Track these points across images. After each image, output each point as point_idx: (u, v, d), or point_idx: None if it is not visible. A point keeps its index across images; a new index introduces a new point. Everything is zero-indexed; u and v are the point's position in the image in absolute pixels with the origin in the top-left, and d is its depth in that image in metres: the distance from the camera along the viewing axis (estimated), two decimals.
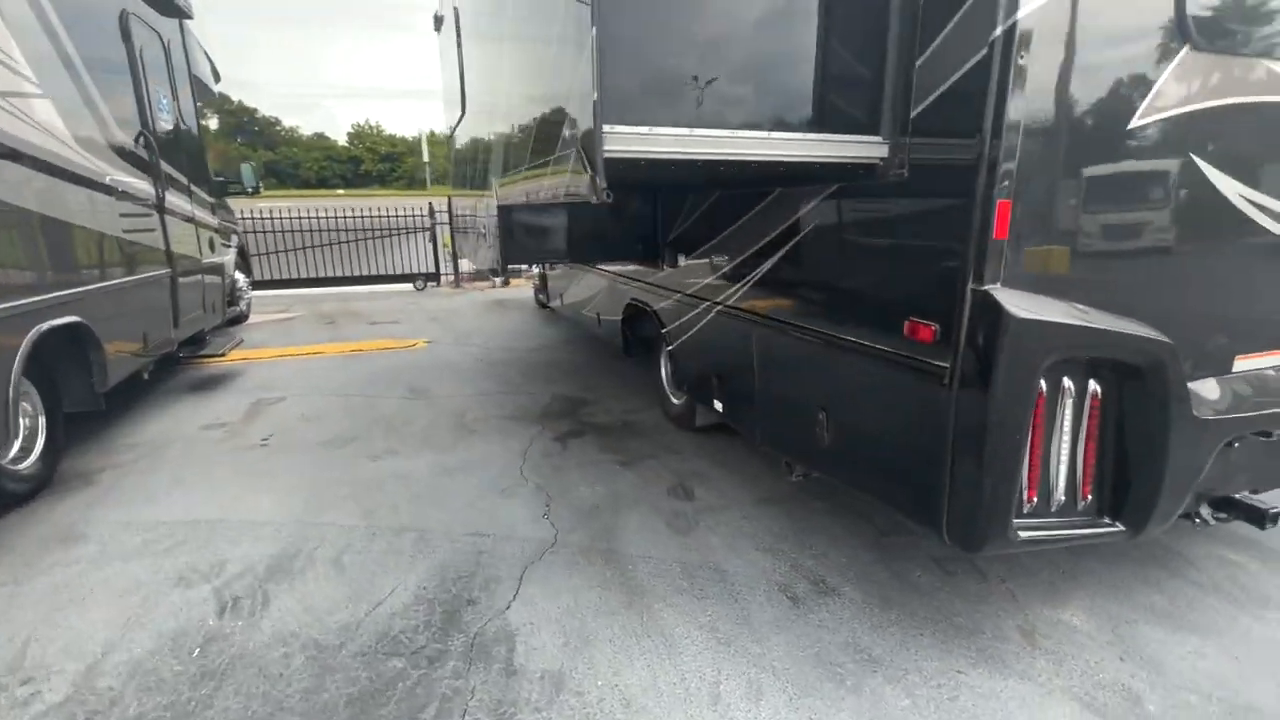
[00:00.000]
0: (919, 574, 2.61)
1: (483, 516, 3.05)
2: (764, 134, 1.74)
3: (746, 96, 1.81)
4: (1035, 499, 1.82)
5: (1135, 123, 1.66)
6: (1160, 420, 1.77)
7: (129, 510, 3.11)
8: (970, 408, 1.66)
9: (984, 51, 1.53)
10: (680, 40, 1.74)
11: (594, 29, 1.46)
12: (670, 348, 3.64)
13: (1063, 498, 1.86)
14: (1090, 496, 1.89)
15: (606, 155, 1.51)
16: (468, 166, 4.73)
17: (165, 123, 4.79)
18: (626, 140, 1.55)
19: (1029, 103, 1.52)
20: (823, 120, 1.87)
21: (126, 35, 4.26)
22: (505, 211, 3.23)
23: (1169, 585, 2.52)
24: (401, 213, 10.76)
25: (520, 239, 3.40)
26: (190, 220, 5.15)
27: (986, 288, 1.59)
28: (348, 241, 10.45)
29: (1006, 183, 1.54)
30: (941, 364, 1.73)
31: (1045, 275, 1.66)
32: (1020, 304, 1.57)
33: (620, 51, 1.53)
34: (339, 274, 10.19)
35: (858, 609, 2.39)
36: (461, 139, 5.14)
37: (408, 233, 10.95)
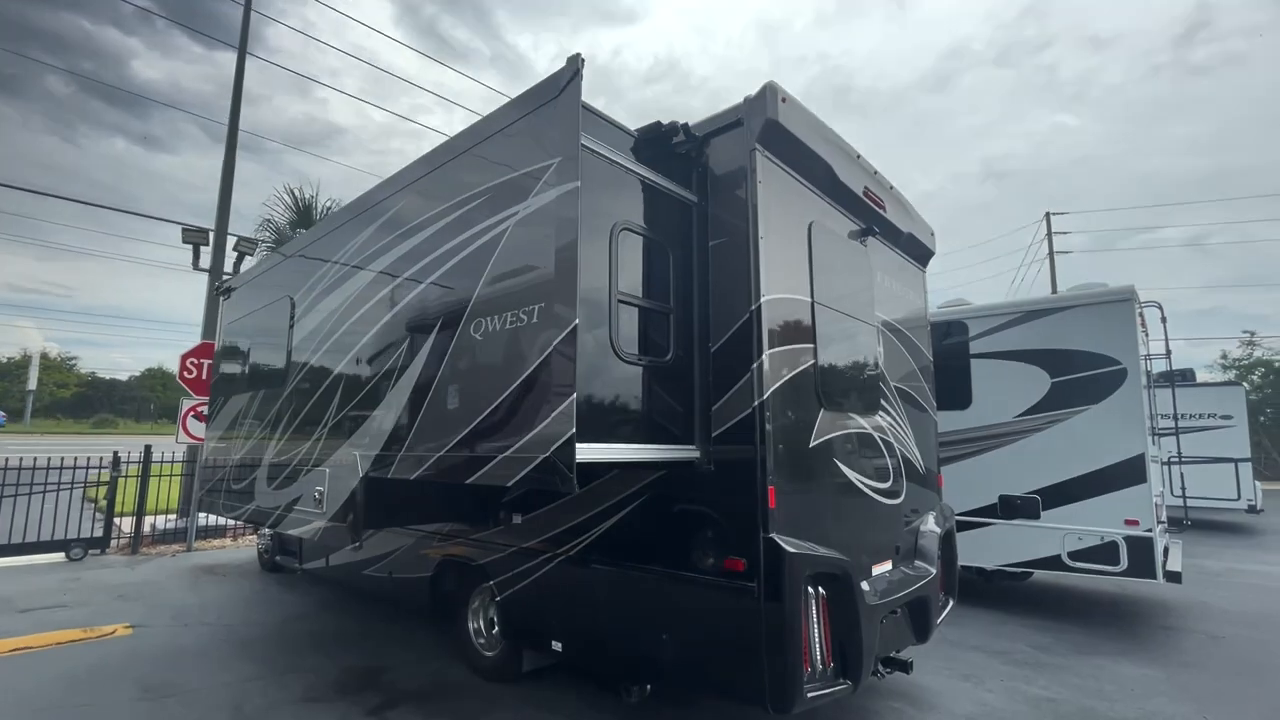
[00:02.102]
0: None
1: None
2: (643, 445, 2.86)
3: (628, 427, 2.94)
4: (809, 670, 2.91)
5: (812, 444, 3.26)
6: (852, 606, 3.11)
7: None
8: (773, 610, 2.75)
9: (748, 411, 2.98)
10: (608, 392, 2.85)
11: (574, 394, 2.46)
12: (500, 598, 4.09)
13: (820, 665, 2.99)
14: (832, 663, 3.07)
15: (580, 460, 2.41)
16: (278, 431, 4.80)
17: None
18: (588, 451, 2.49)
19: (774, 433, 2.96)
20: (660, 436, 3.09)
21: None
22: (374, 481, 3.59)
23: None
24: (21, 463, 8.68)
25: (384, 504, 3.71)
26: None
27: (771, 535, 2.83)
28: None
29: (771, 475, 2.89)
30: (750, 583, 2.83)
31: (792, 526, 2.98)
32: (789, 543, 2.82)
33: (586, 400, 2.53)
34: None
35: None
36: (264, 401, 5.21)
37: (58, 489, 8.77)
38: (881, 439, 3.99)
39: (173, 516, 9.92)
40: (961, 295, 7.67)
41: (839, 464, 3.48)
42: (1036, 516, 6.15)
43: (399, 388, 3.56)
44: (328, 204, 12.33)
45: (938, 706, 4.15)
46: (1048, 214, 25.90)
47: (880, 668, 3.60)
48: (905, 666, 3.66)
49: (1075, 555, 5.89)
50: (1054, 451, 6.11)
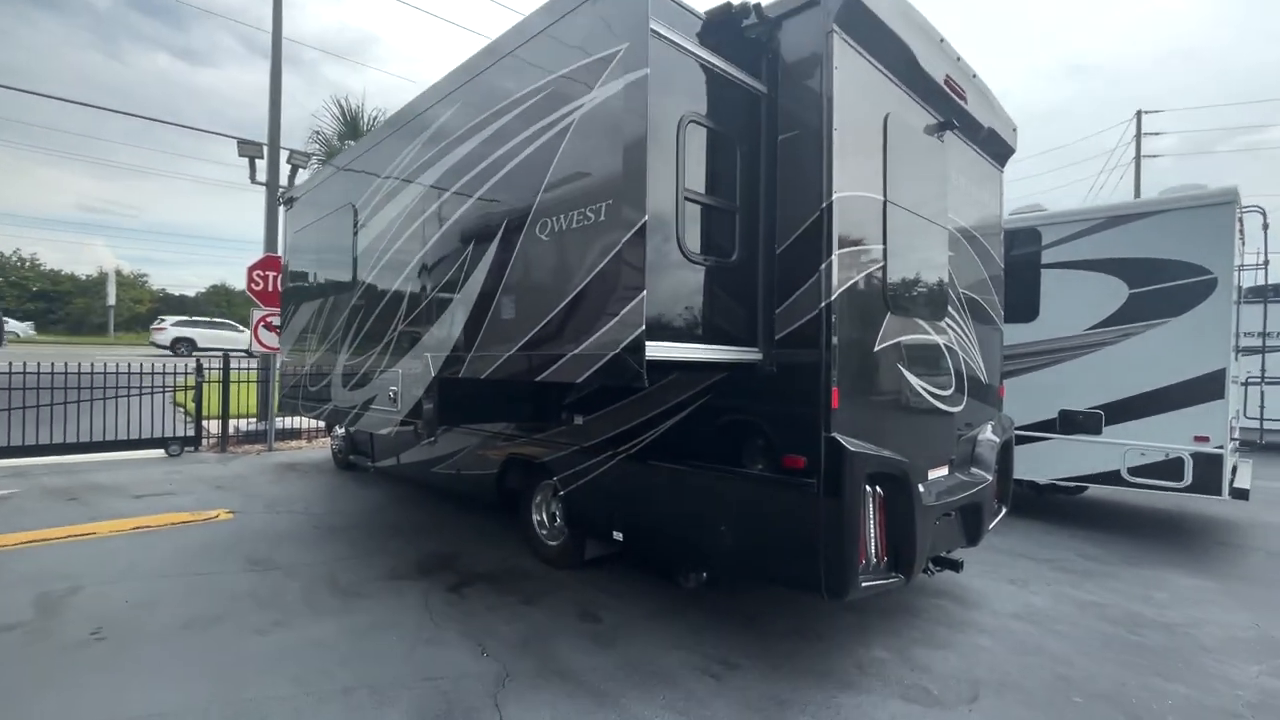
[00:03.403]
0: (786, 643, 3.61)
1: (425, 664, 3.21)
2: (707, 346, 2.89)
3: (693, 328, 2.96)
4: (864, 562, 3.03)
5: (876, 348, 3.22)
6: (908, 506, 3.18)
7: None
8: (831, 505, 2.84)
9: (814, 313, 2.95)
10: (675, 292, 2.85)
11: (644, 292, 2.47)
12: (563, 492, 4.34)
13: (874, 559, 3.11)
14: (886, 558, 3.18)
15: (649, 358, 2.46)
16: (350, 335, 5.03)
17: None
18: (657, 350, 2.54)
19: (839, 337, 2.94)
20: (723, 338, 3.10)
21: None
22: (446, 381, 3.77)
23: (915, 624, 3.94)
24: (119, 368, 9.39)
25: (455, 404, 3.91)
26: None
27: (833, 434, 2.87)
28: (60, 404, 8.65)
29: (835, 377, 2.90)
30: (810, 480, 2.92)
31: (853, 426, 3.01)
32: (851, 442, 2.87)
33: (654, 299, 2.55)
34: (40, 442, 8.22)
35: (759, 673, 3.26)
36: (335, 307, 5.43)
37: (152, 392, 9.53)
38: (946, 347, 3.91)
39: (253, 420, 10.71)
40: (1037, 202, 7.18)
41: (902, 369, 3.45)
42: (1098, 432, 6.02)
43: (467, 289, 3.64)
44: (374, 114, 12.22)
45: (982, 605, 4.29)
46: (1139, 113, 23.59)
47: (931, 566, 3.72)
48: (956, 565, 3.76)
49: (1136, 471, 5.79)
50: (1124, 366, 5.87)
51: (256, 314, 9.50)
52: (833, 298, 2.91)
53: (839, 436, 2.88)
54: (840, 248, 2.95)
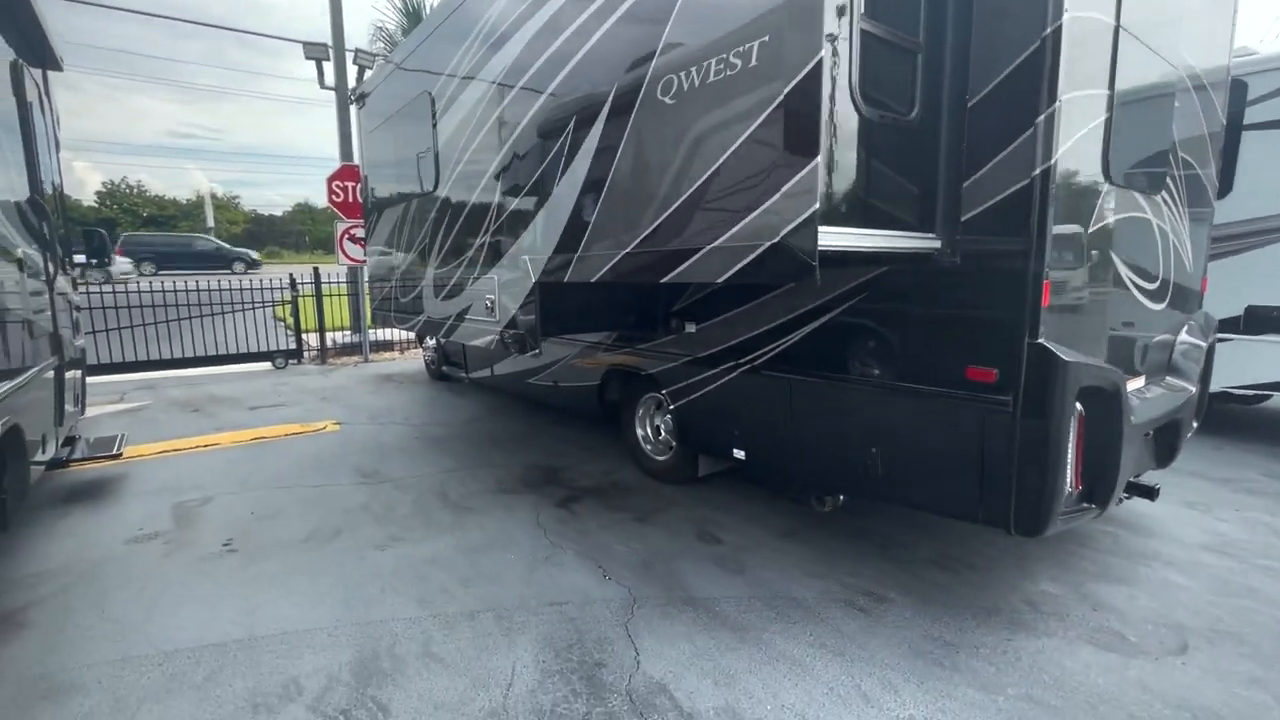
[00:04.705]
0: (934, 574, 3.21)
1: (547, 587, 3.05)
2: (879, 231, 2.29)
3: (864, 208, 2.34)
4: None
5: (1091, 228, 2.51)
6: (1117, 427, 2.58)
7: (112, 645, 2.56)
8: (1033, 428, 2.30)
9: (1022, 183, 2.26)
10: (847, 159, 2.23)
11: (819, 159, 1.88)
12: (674, 407, 3.98)
13: (1069, 489, 2.57)
14: (1080, 486, 2.63)
15: (821, 249, 1.92)
16: (438, 240, 4.69)
17: (47, 186, 4.09)
18: (829, 237, 1.98)
19: (1056, 215, 2.27)
20: (888, 220, 2.47)
21: (19, 87, 3.67)
22: (548, 287, 3.38)
23: (1083, 553, 3.42)
24: (230, 286, 9.66)
25: (559, 313, 3.56)
26: (65, 297, 4.35)
27: (1040, 340, 2.27)
28: (174, 320, 9.09)
29: (1047, 267, 2.25)
30: (1003, 397, 2.37)
31: (1062, 330, 2.39)
32: (1064, 350, 2.27)
33: (827, 169, 1.96)
34: (163, 356, 8.71)
35: (911, 609, 2.89)
36: (419, 210, 5.06)
37: (259, 307, 9.86)
38: (1158, 226, 3.10)
39: (347, 332, 10.99)
40: (1243, 44, 5.70)
41: (1113, 256, 2.73)
42: None
43: (570, 178, 3.13)
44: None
45: (1160, 533, 3.71)
46: None
47: (1122, 493, 3.14)
48: (1150, 493, 3.15)
49: None
50: None
51: (340, 226, 9.43)
52: (1052, 162, 2.20)
53: (1048, 343, 2.27)
54: (1068, 92, 2.20)
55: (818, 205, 1.89)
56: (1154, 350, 3.36)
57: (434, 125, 4.45)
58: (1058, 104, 2.18)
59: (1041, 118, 2.19)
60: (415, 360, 9.99)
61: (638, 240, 2.70)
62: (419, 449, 5.29)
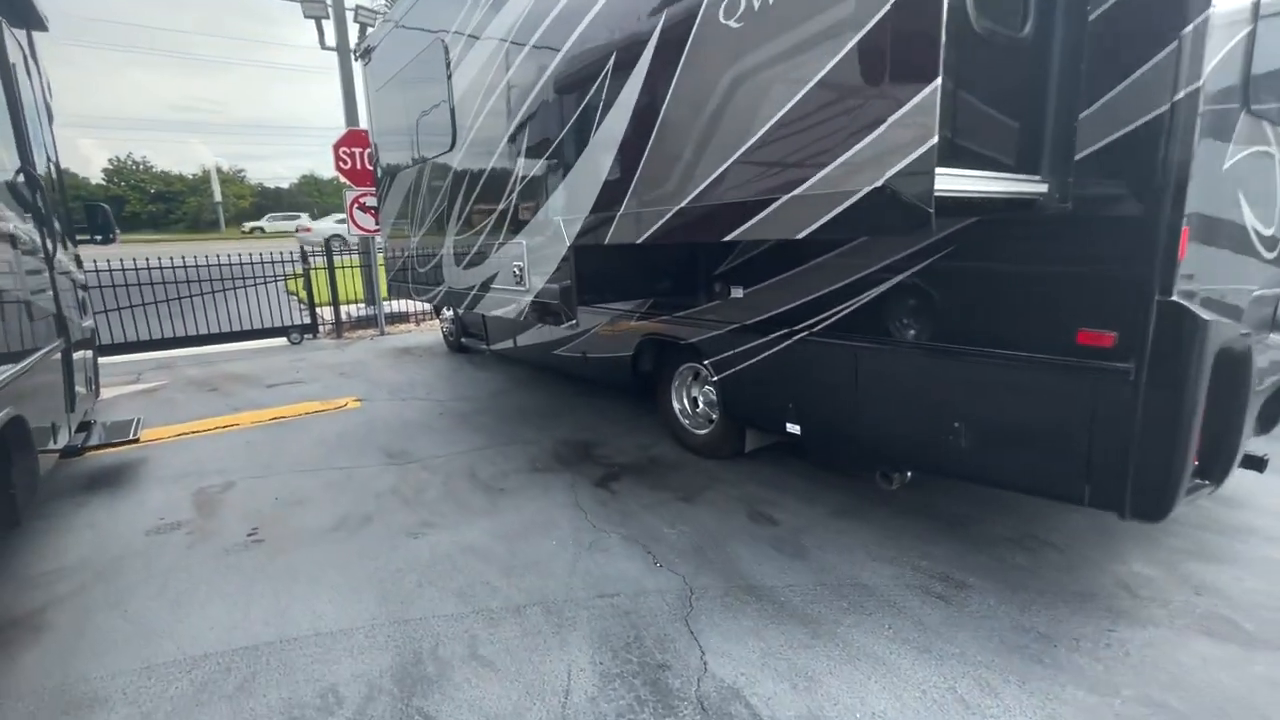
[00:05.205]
0: (1012, 554, 2.96)
1: (595, 576, 2.83)
2: (988, 174, 1.94)
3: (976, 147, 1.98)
4: None
5: (1225, 165, 2.15)
6: (1244, 394, 2.26)
7: (133, 652, 2.38)
8: (1162, 399, 1.99)
9: (1156, 112, 1.90)
10: (963, 87, 1.86)
11: (938, 81, 1.54)
12: (718, 378, 3.70)
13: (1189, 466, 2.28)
14: (1197, 461, 2.33)
15: (938, 194, 1.59)
16: (458, 202, 4.36)
17: (39, 156, 3.80)
18: (947, 180, 1.65)
19: (1198, 150, 1.91)
20: (983, 161, 2.12)
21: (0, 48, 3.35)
22: (584, 251, 3.06)
23: (1176, 531, 3.14)
24: (240, 260, 9.40)
25: (598, 279, 3.25)
26: (68, 276, 4.10)
27: (1174, 298, 1.95)
28: (187, 297, 8.87)
29: (1186, 212, 1.91)
30: (1124, 365, 2.06)
31: (1194, 286, 2.06)
32: (1200, 309, 1.95)
33: (948, 97, 1.62)
34: (178, 334, 8.53)
35: (995, 595, 2.64)
36: (435, 171, 4.70)
37: (270, 281, 9.62)
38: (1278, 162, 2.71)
39: (361, 305, 10.75)
40: None
41: (1240, 197, 2.36)
42: None
43: (611, 124, 2.77)
44: None
45: (1251, 505, 3.42)
46: None
47: None
48: (1259, 464, 2.82)
49: None
50: None
51: (350, 195, 9.09)
52: (1199, 83, 1.84)
53: (1184, 302, 1.95)
54: (1221, 3, 1.82)
55: (936, 139, 1.55)
56: (1262, 305, 3.00)
57: (449, 77, 4.08)
58: (1210, 10, 1.80)
59: (1190, 28, 1.82)
60: (432, 332, 9.75)
61: (695, 193, 2.37)
62: (445, 426, 5.08)
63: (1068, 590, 2.68)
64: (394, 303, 10.27)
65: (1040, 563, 2.90)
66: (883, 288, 2.69)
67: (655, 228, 2.59)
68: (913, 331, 2.64)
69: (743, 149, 2.14)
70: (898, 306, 2.66)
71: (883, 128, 1.68)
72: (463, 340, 7.69)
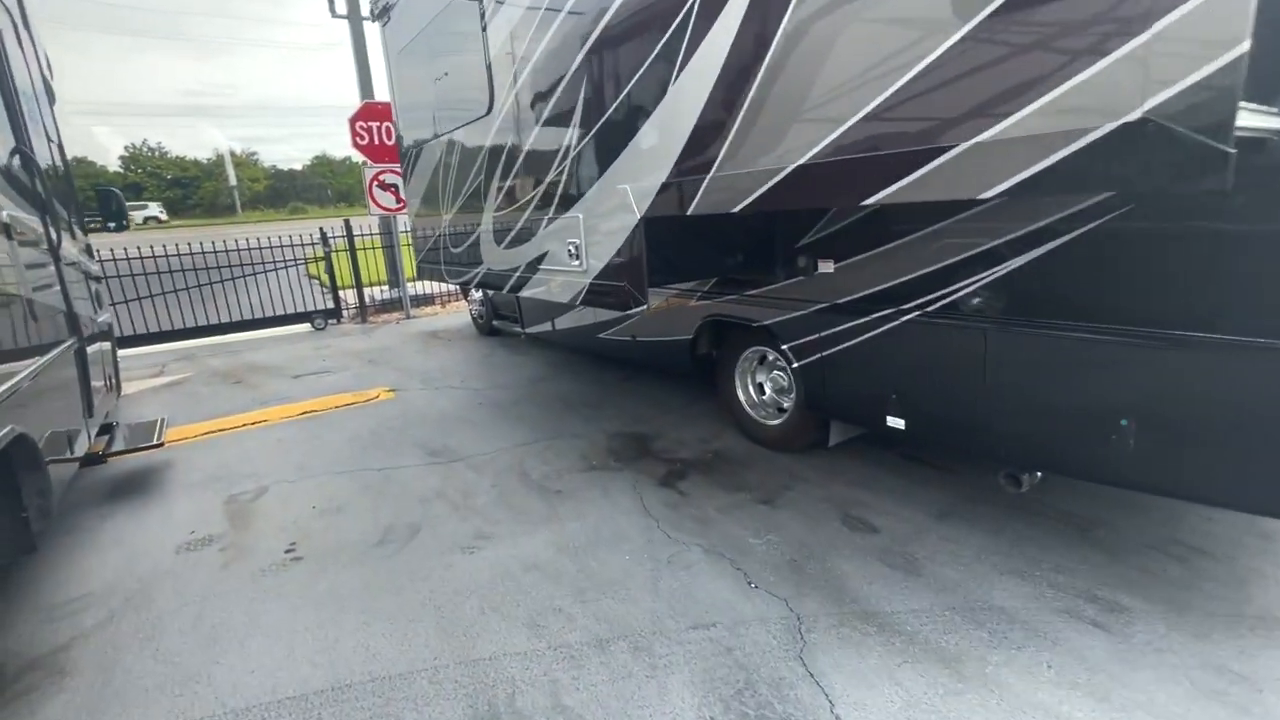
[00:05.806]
0: (1163, 565, 2.53)
1: (682, 600, 2.47)
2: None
3: None
4: None
5: None
6: None
7: (166, 703, 2.07)
8: None
9: None
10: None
11: None
12: (796, 365, 3.27)
13: None
14: None
15: (1240, 131, 1.13)
16: (499, 172, 3.92)
17: (38, 138, 3.44)
18: (1249, 114, 1.18)
19: None
20: None
21: None
22: (655, 223, 2.62)
23: None
24: (257, 245, 9.06)
25: (670, 258, 2.83)
26: (77, 267, 3.77)
27: None
28: (207, 284, 8.60)
29: None
30: None
31: None
32: None
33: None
34: (199, 323, 8.27)
35: (1162, 621, 2.23)
36: (471, 138, 4.25)
37: (290, 265, 9.30)
38: None
39: (385, 287, 10.42)
40: None
41: None
42: None
43: (698, 63, 2.29)
44: None
45: None
46: None
47: None
48: None
49: None
50: None
51: (369, 172, 8.68)
52: None
53: None
54: None
55: (1247, 44, 1.08)
56: None
57: (484, 29, 3.61)
58: None
59: None
60: (459, 314, 9.40)
61: (824, 143, 1.91)
62: (485, 418, 4.73)
63: (1244, 613, 2.26)
64: (418, 284, 9.93)
65: (1198, 575, 2.47)
66: (1026, 258, 2.23)
67: (760, 191, 2.13)
68: (1066, 311, 2.19)
69: (901, 82, 1.67)
70: (1046, 281, 2.21)
71: (1148, 34, 1.21)
72: (494, 323, 7.32)
